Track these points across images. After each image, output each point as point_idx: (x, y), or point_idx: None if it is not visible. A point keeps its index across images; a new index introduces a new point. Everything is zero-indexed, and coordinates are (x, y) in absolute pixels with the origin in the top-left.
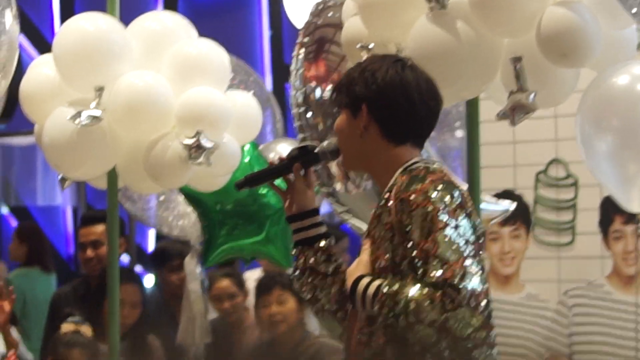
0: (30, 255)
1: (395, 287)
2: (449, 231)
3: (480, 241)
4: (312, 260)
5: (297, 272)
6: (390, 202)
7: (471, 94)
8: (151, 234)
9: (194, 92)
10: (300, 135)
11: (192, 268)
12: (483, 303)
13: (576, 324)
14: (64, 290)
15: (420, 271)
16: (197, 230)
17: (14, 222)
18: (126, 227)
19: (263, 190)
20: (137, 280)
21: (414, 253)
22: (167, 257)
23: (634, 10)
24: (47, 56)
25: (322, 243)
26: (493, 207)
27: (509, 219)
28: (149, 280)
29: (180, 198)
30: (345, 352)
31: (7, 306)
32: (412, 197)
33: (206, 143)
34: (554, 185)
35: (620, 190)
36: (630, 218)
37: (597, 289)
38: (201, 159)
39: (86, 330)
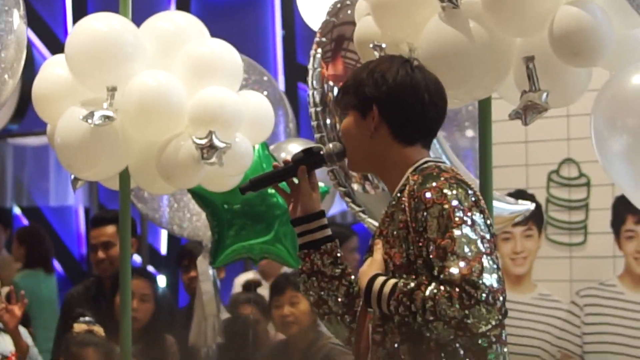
0: (31, 257)
1: (412, 285)
2: (465, 228)
3: (494, 238)
4: (319, 263)
5: (304, 275)
6: (404, 201)
7: (483, 93)
8: (164, 235)
9: (206, 92)
10: (317, 135)
11: (205, 268)
12: (500, 299)
13: (588, 323)
14: (76, 290)
15: (437, 268)
16: (208, 230)
17: (26, 223)
18: (138, 227)
19: (271, 190)
20: (147, 275)
21: (431, 250)
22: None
23: None
24: (59, 56)
25: (329, 245)
26: (514, 207)
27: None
28: (161, 281)
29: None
30: (355, 353)
31: (17, 311)
32: (428, 194)
33: (218, 143)
34: (566, 185)
35: (634, 190)
36: None
37: (609, 289)
38: (213, 159)
39: (98, 330)
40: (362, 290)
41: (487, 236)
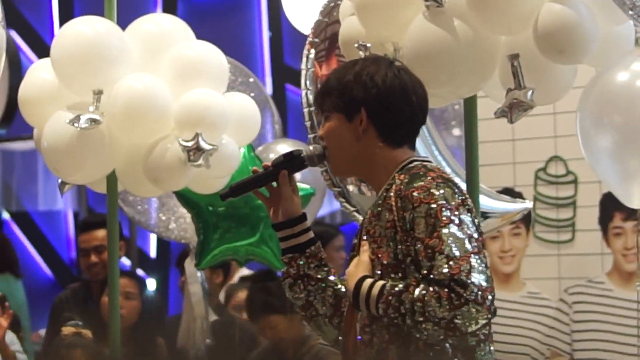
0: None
1: (400, 286)
2: (453, 228)
3: (481, 236)
4: (305, 267)
5: (289, 280)
6: (391, 200)
7: (469, 92)
8: (153, 238)
9: (192, 95)
10: (311, 135)
11: (193, 270)
12: (489, 298)
13: (577, 321)
14: (65, 294)
15: (425, 268)
16: (193, 232)
17: (15, 228)
18: (126, 230)
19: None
20: (133, 275)
21: (419, 250)
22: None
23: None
24: (45, 60)
25: (313, 248)
26: (511, 206)
27: None
28: (151, 284)
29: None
30: (343, 352)
31: (4, 322)
32: (415, 194)
33: (205, 145)
34: (553, 183)
35: (620, 186)
36: (630, 214)
37: (598, 286)
38: (200, 161)
39: (86, 333)
40: (350, 292)
41: (475, 235)
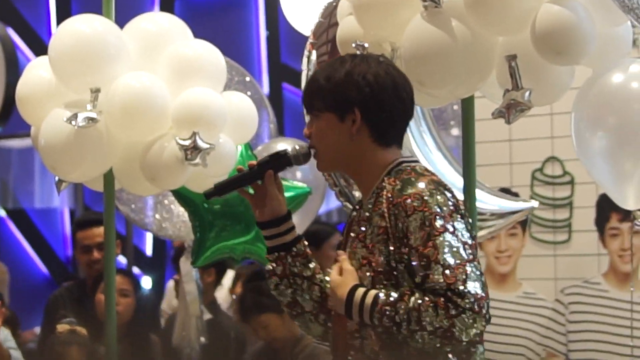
0: None
1: (395, 296)
2: (448, 236)
3: (475, 241)
4: (291, 265)
5: (275, 279)
6: (382, 206)
7: (466, 92)
8: (149, 236)
9: (190, 93)
10: None
11: (188, 269)
12: (485, 307)
13: (573, 322)
14: (59, 292)
15: (419, 276)
16: (189, 230)
17: (12, 225)
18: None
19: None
20: (127, 273)
21: (413, 259)
22: None
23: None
24: (43, 58)
25: (299, 246)
26: (515, 205)
27: None
28: (146, 282)
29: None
30: (334, 354)
31: None
32: (408, 201)
33: (202, 144)
34: (550, 183)
35: (615, 188)
36: (626, 215)
37: (594, 287)
38: (197, 160)
39: (81, 330)
40: (340, 301)
41: (469, 241)
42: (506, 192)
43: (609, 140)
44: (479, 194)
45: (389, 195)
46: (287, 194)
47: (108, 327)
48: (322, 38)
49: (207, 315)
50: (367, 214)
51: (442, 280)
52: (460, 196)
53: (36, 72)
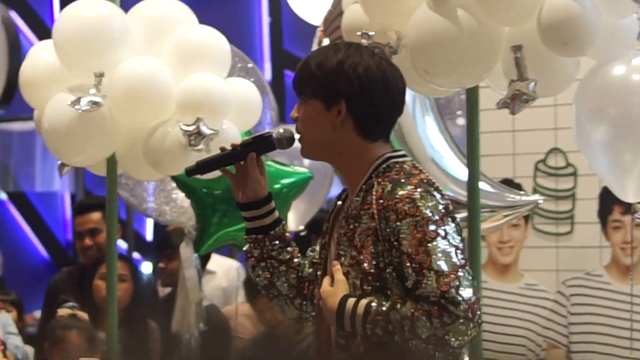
0: None
1: (387, 305)
2: (440, 241)
3: (464, 242)
4: (269, 247)
5: (253, 261)
6: (372, 206)
7: (471, 82)
8: (149, 221)
9: (194, 79)
10: None
11: (188, 255)
12: (478, 312)
13: (574, 313)
14: (60, 276)
15: (411, 282)
16: (190, 216)
17: (12, 208)
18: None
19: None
20: (124, 257)
21: (405, 264)
22: None
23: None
24: (47, 42)
25: (278, 229)
26: (520, 198)
27: None
28: (146, 268)
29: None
30: (317, 348)
31: None
32: (399, 205)
33: (206, 130)
34: (553, 175)
35: (615, 180)
36: (629, 208)
37: (596, 279)
38: (201, 146)
39: (82, 315)
40: (330, 312)
41: (460, 245)
42: (509, 183)
43: (609, 132)
44: (482, 186)
45: (379, 196)
46: (288, 180)
47: (109, 312)
48: (333, 25)
49: (206, 302)
50: (355, 211)
51: (435, 287)
52: (463, 188)
53: (40, 56)
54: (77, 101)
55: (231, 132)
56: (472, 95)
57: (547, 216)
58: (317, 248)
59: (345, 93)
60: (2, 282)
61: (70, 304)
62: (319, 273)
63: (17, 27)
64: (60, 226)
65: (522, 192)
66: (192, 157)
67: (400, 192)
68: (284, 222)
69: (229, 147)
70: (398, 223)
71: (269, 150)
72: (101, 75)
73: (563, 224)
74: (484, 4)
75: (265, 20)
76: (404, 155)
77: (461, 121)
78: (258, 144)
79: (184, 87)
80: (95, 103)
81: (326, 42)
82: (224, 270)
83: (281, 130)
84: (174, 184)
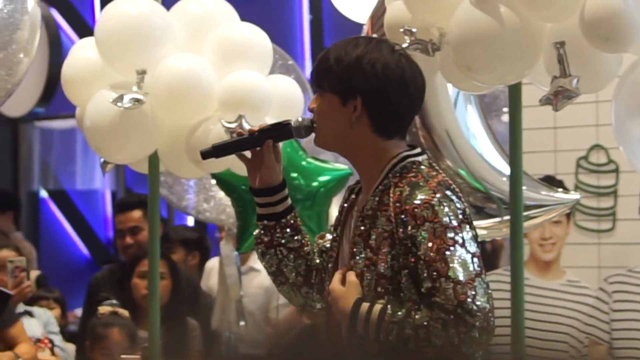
0: None
1: (401, 313)
2: (458, 249)
3: (479, 247)
4: (279, 235)
5: (263, 247)
6: (389, 209)
7: (514, 78)
8: (190, 219)
9: (236, 76)
10: None
11: (228, 252)
12: (492, 321)
13: (616, 310)
14: (101, 274)
15: (426, 287)
16: (229, 214)
17: (53, 206)
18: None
19: (294, 173)
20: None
21: (422, 270)
22: None
23: None
24: (88, 39)
25: (289, 217)
26: (561, 197)
27: None
28: None
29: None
30: (327, 340)
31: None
32: (418, 210)
33: (248, 127)
34: (594, 171)
35: None
36: None
37: (638, 275)
38: None
39: (123, 312)
40: (343, 314)
41: (477, 251)
42: (551, 179)
43: None
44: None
45: (397, 199)
46: (325, 177)
47: (151, 310)
48: (380, 21)
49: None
50: (371, 212)
51: (452, 296)
52: (506, 184)
53: (82, 53)
54: (120, 98)
55: None
56: (514, 92)
57: (589, 213)
58: (329, 236)
59: (361, 89)
60: (45, 280)
61: (110, 301)
62: (329, 266)
63: (58, 25)
64: (101, 224)
65: (559, 190)
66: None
67: (419, 197)
68: (295, 210)
69: (246, 133)
70: (416, 229)
71: (287, 138)
72: (143, 72)
73: (605, 220)
74: (526, 1)
75: (306, 17)
76: (420, 154)
77: (507, 118)
78: (276, 132)
79: (225, 84)
80: (137, 100)
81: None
82: None
83: (299, 119)
84: (213, 182)
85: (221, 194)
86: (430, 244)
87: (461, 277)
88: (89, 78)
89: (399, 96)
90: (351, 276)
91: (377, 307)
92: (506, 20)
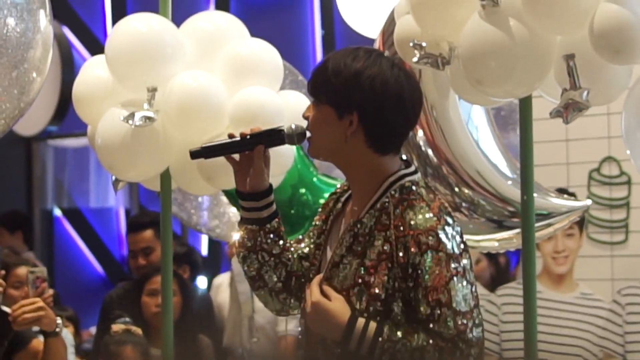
0: None
1: (398, 334)
2: (459, 280)
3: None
4: (262, 239)
5: (244, 251)
6: (389, 231)
7: (524, 92)
8: (204, 237)
9: (247, 92)
10: None
11: (241, 269)
12: (484, 350)
13: (630, 322)
14: (115, 292)
15: (424, 314)
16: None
17: (67, 224)
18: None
19: (302, 189)
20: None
21: (421, 296)
22: None
23: None
24: (99, 57)
25: (274, 222)
26: (570, 204)
27: None
28: (201, 283)
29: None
30: (305, 346)
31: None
32: (421, 237)
33: None
34: (607, 184)
35: None
36: None
37: None
38: None
39: (136, 330)
40: (336, 328)
41: (474, 280)
42: (563, 192)
43: None
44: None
45: (398, 223)
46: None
47: (164, 328)
48: (392, 38)
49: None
50: (366, 229)
51: (452, 326)
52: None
53: (93, 71)
54: (131, 116)
55: (285, 145)
56: (525, 105)
57: (601, 225)
58: (307, 241)
59: (358, 105)
60: (57, 298)
61: (124, 319)
62: (311, 274)
63: (70, 43)
64: (115, 242)
65: (570, 197)
66: None
67: (421, 224)
68: (279, 216)
69: (237, 135)
70: (419, 257)
71: (279, 144)
72: (154, 90)
73: (618, 232)
74: (536, 13)
75: (318, 32)
76: (414, 172)
77: None
78: (268, 137)
79: (236, 100)
80: (148, 118)
81: (385, 54)
82: None
83: (293, 126)
84: (223, 199)
85: (232, 210)
86: (433, 273)
87: (462, 309)
88: (99, 96)
89: (396, 113)
90: (330, 291)
91: (373, 325)
92: (516, 34)
